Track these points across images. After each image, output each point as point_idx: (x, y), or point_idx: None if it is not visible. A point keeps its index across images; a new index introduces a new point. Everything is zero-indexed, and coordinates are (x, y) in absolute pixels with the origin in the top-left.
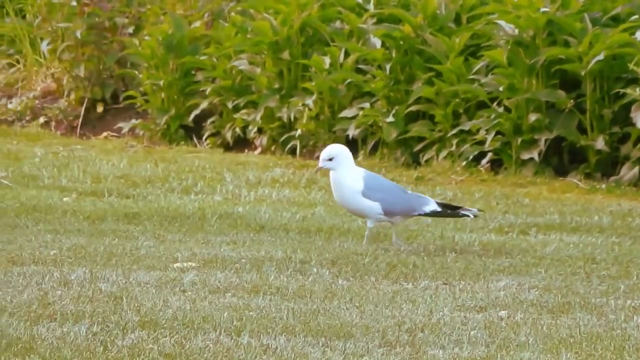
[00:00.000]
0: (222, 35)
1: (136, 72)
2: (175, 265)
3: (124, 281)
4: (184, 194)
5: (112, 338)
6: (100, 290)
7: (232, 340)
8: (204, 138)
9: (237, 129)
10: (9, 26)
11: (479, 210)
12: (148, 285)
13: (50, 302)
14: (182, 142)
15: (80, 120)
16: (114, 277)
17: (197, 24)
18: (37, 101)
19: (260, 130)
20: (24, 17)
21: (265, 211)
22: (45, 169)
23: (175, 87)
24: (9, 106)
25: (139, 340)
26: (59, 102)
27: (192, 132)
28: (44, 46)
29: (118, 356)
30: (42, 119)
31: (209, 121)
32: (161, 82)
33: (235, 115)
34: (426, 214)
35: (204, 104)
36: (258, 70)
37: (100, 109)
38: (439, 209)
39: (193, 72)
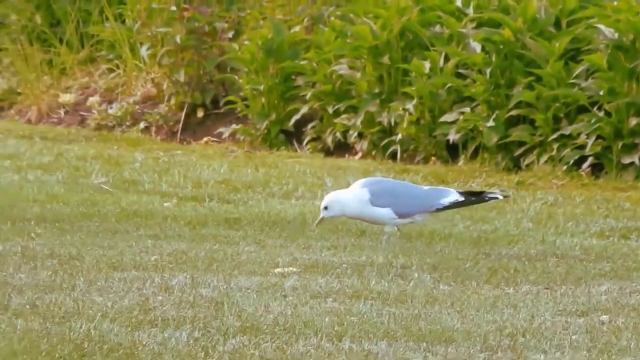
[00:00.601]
0: (322, 39)
1: (236, 77)
2: (276, 270)
3: (225, 286)
4: (284, 199)
5: (213, 343)
6: (202, 296)
7: (334, 346)
8: (304, 143)
9: (338, 134)
10: (108, 31)
11: (503, 191)
12: (249, 291)
13: (152, 307)
14: (283, 147)
15: (181, 125)
16: (215, 283)
17: (297, 28)
18: (137, 106)
19: (360, 135)
20: (123, 22)
21: None
22: (146, 174)
23: (275, 91)
24: (109, 111)
25: (240, 345)
26: (159, 107)
27: (292, 136)
28: (144, 51)
29: None
30: (142, 124)
31: (309, 126)
32: (261, 87)
33: (336, 120)
34: (448, 207)
35: (304, 109)
36: (358, 74)
37: (200, 114)
38: (461, 199)
39: (293, 76)
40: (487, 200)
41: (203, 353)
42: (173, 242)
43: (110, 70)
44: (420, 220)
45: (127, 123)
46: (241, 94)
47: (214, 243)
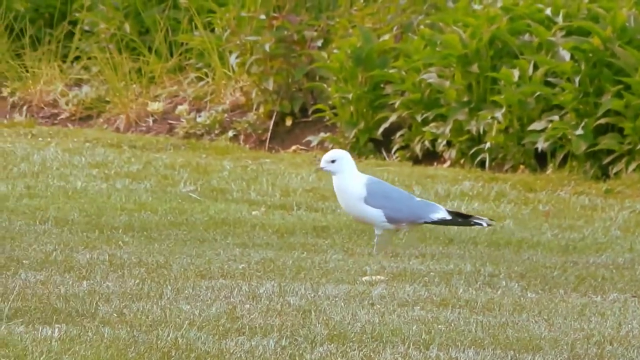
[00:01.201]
0: (411, 48)
1: (325, 85)
2: (364, 278)
3: (312, 294)
4: None
5: (300, 352)
6: (289, 304)
7: (421, 354)
8: (392, 151)
9: (426, 142)
10: (198, 39)
11: (491, 220)
12: (337, 299)
13: (239, 315)
14: (371, 156)
15: (269, 133)
16: (303, 291)
17: (386, 37)
18: (226, 115)
19: (449, 144)
20: (212, 30)
21: None
22: (234, 182)
23: (364, 100)
24: (198, 120)
25: (328, 353)
26: (248, 115)
27: (381, 145)
28: (233, 59)
29: None
30: (230, 133)
31: (397, 134)
32: (350, 95)
33: (424, 129)
34: (434, 222)
35: (393, 117)
36: (447, 83)
37: (289, 122)
38: (448, 217)
39: (382, 85)
40: (472, 225)
41: None
42: (261, 250)
43: (199, 79)
44: (405, 229)
45: (216, 131)
46: (330, 102)
47: (302, 251)
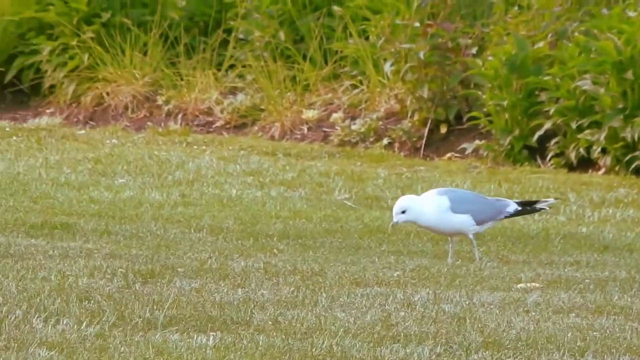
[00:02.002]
0: (566, 55)
1: (479, 92)
2: (518, 285)
3: (467, 302)
4: (527, 215)
5: (455, 359)
6: (444, 311)
7: None
8: (547, 158)
9: (581, 149)
10: (352, 47)
11: (556, 199)
12: (491, 306)
13: (394, 323)
14: (526, 163)
15: (424, 141)
16: (458, 298)
17: (541, 44)
18: (380, 122)
19: (604, 151)
20: (367, 38)
21: (609, 231)
22: (389, 190)
23: (518, 107)
24: (353, 127)
25: None
26: (403, 123)
27: (535, 152)
28: (387, 67)
29: None
30: (385, 140)
31: (552, 141)
32: (505, 103)
33: (579, 136)
34: (511, 215)
35: (548, 124)
36: (602, 90)
37: (443, 129)
38: (519, 208)
39: (536, 92)
40: (538, 210)
41: None
42: (416, 258)
43: (354, 87)
44: (490, 227)
45: (371, 139)
46: (484, 109)
47: (457, 259)
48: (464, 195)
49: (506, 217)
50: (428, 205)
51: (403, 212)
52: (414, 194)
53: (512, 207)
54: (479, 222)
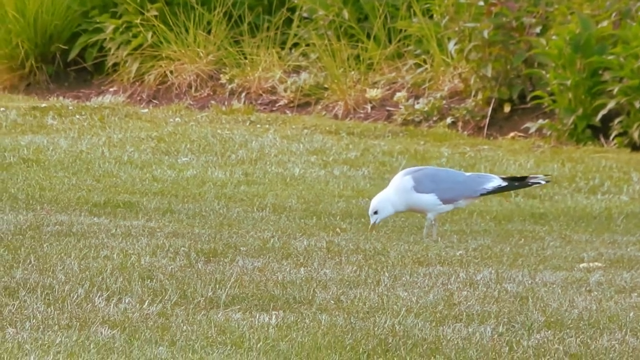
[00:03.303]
0: (630, 34)
1: (543, 71)
2: (581, 265)
3: (529, 281)
4: (590, 194)
5: (517, 338)
6: (506, 291)
7: (638, 340)
8: (611, 138)
9: None
10: (416, 26)
11: (546, 175)
12: (554, 286)
13: (456, 302)
14: (589, 142)
15: (487, 120)
16: (520, 278)
17: (605, 23)
18: (444, 101)
19: None
20: (431, 17)
21: None
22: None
23: (582, 86)
24: (416, 106)
25: (545, 340)
26: (466, 102)
27: (599, 131)
28: (451, 46)
29: (523, 356)
30: (449, 120)
31: (616, 121)
32: (568, 82)
33: None
34: (492, 192)
35: (611, 104)
36: None
37: (507, 109)
38: (504, 184)
39: (600, 71)
40: (529, 185)
41: (507, 348)
42: (478, 237)
43: (418, 65)
44: (464, 205)
45: (434, 118)
46: (548, 89)
47: (519, 238)
48: (432, 173)
49: (484, 194)
50: (393, 189)
51: (375, 212)
52: (477, 172)
53: (495, 183)
54: (445, 201)
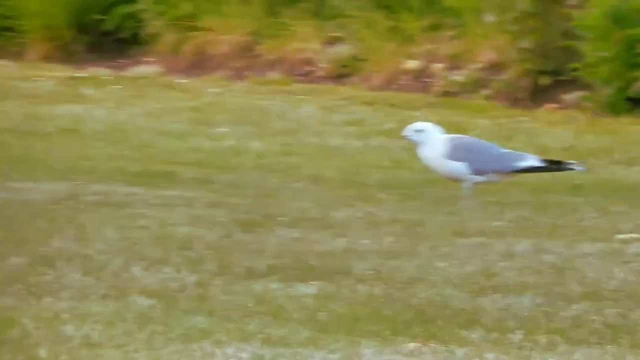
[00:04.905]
0: None
1: (581, 43)
2: (619, 236)
3: (567, 253)
4: (628, 166)
5: (555, 309)
6: (544, 262)
7: None
8: None
9: None
10: None
11: (584, 163)
12: (591, 257)
13: (494, 273)
14: (627, 114)
15: (525, 92)
16: (558, 249)
17: None
18: (481, 73)
19: None
20: None
21: None
22: (490, 141)
23: (620, 59)
24: (453, 78)
25: (582, 311)
26: (503, 74)
27: (636, 104)
28: (489, 18)
29: (561, 327)
30: (486, 91)
31: None
32: (606, 54)
33: None
34: (525, 170)
35: None
36: None
37: (544, 80)
38: (538, 164)
39: (638, 44)
40: (565, 170)
41: (545, 319)
42: (516, 208)
43: (455, 37)
44: (496, 179)
45: (471, 89)
46: (586, 60)
47: (557, 209)
48: (469, 143)
49: (517, 171)
50: (433, 146)
51: (418, 131)
52: (515, 145)
53: (528, 162)
54: (476, 172)
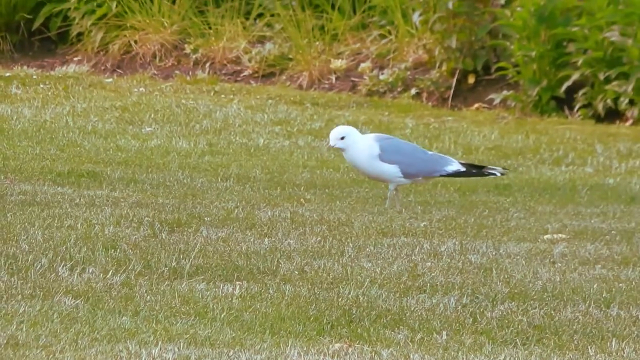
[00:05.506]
0: (594, 6)
1: (508, 43)
2: (545, 236)
3: (493, 253)
4: (554, 166)
5: (481, 309)
6: (470, 262)
7: (602, 312)
8: (575, 109)
9: (609, 101)
10: None
11: (504, 168)
12: (518, 257)
13: (420, 273)
14: (553, 114)
15: (452, 91)
16: (484, 249)
17: None
18: (408, 72)
19: (631, 102)
20: None
21: (636, 183)
22: (416, 140)
23: (546, 58)
24: (381, 77)
25: (508, 311)
26: (430, 73)
27: (563, 103)
28: (416, 17)
29: (487, 327)
30: (413, 90)
31: (580, 93)
32: (533, 54)
33: (607, 87)
34: (449, 175)
35: (576, 75)
36: (629, 41)
37: (471, 80)
38: (462, 169)
39: (564, 43)
40: (486, 175)
41: (471, 319)
42: (443, 208)
43: (382, 37)
44: (422, 182)
45: (398, 89)
46: (512, 60)
47: (484, 209)
48: (399, 145)
49: (443, 175)
50: (361, 147)
51: (342, 138)
52: (441, 144)
53: (454, 167)
54: (406, 175)
